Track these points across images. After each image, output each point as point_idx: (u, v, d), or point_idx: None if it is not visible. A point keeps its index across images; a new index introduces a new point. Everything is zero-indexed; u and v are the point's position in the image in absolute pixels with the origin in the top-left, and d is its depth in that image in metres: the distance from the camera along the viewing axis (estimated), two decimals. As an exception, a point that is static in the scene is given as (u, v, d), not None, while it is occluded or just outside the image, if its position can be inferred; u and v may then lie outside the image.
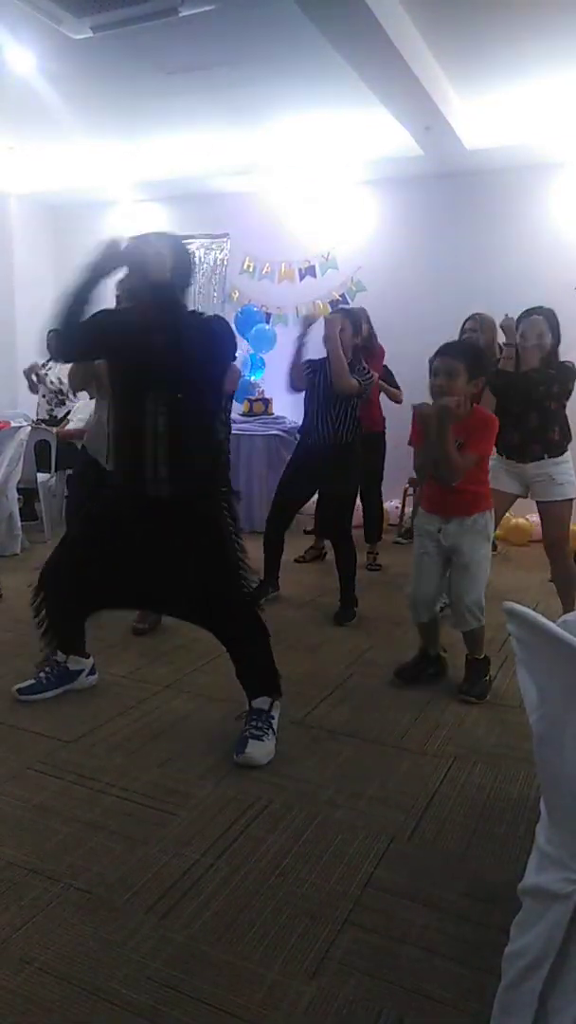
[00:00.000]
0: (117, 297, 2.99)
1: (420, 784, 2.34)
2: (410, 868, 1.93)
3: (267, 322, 6.62)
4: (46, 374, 5.68)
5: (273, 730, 2.51)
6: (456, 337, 4.40)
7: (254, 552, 4.33)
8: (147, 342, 2.38)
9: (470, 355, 2.79)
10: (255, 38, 3.95)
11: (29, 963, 1.60)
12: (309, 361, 3.95)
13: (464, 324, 4.32)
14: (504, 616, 1.24)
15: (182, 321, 2.40)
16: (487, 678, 3.01)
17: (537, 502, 3.62)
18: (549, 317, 3.48)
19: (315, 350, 3.92)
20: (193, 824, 2.11)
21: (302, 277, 6.65)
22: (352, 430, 3.86)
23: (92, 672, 3.00)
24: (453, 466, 2.74)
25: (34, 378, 5.72)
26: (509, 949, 1.29)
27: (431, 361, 2.82)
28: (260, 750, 2.43)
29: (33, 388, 5.83)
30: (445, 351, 2.79)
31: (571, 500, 3.54)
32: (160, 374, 2.38)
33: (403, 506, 5.86)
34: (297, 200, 6.59)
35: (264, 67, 4.31)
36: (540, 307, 3.53)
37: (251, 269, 6.83)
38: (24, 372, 5.73)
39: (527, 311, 3.55)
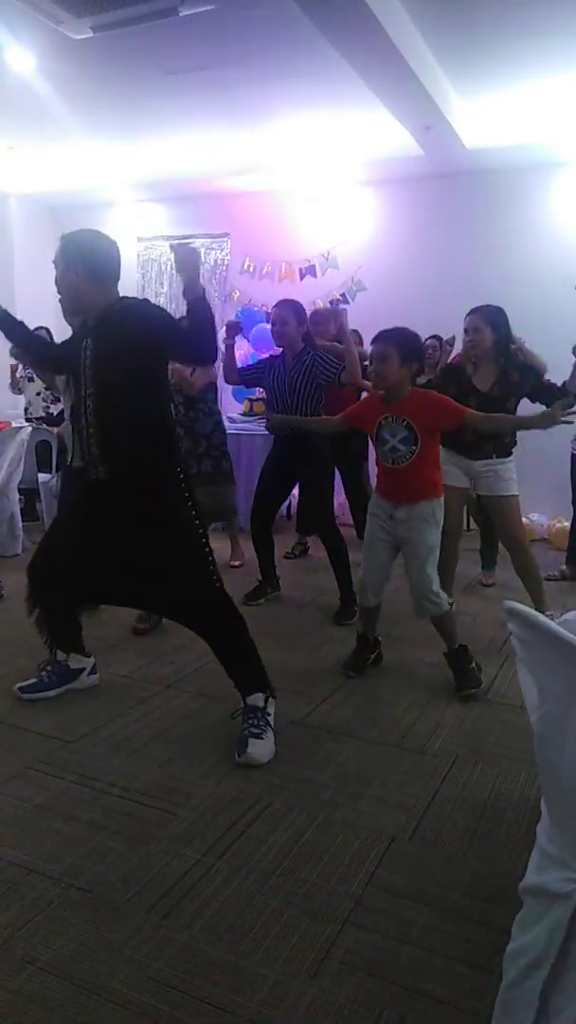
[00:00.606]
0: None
1: (421, 784, 2.34)
2: (411, 868, 1.93)
3: (267, 322, 6.61)
4: (31, 377, 5.71)
5: (271, 726, 2.51)
6: (457, 335, 4.41)
7: (251, 553, 4.34)
8: (74, 339, 2.56)
9: (402, 340, 2.87)
10: (255, 38, 3.95)
11: (30, 963, 1.60)
12: (270, 357, 4.00)
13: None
14: (504, 616, 1.24)
15: (98, 315, 2.47)
16: (472, 665, 3.02)
17: (486, 496, 3.72)
18: (488, 314, 3.52)
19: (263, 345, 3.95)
20: (194, 824, 2.11)
21: (302, 277, 6.65)
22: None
23: (93, 672, 3.00)
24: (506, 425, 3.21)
25: (18, 377, 5.78)
26: (510, 948, 1.29)
27: None
28: (261, 749, 2.43)
29: (15, 388, 5.88)
30: (378, 338, 2.89)
31: (517, 496, 3.65)
32: (77, 367, 2.50)
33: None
34: (297, 200, 6.60)
35: (264, 67, 4.31)
36: (484, 305, 3.57)
37: (251, 269, 6.83)
38: (11, 366, 5.75)
39: (472, 310, 3.60)
